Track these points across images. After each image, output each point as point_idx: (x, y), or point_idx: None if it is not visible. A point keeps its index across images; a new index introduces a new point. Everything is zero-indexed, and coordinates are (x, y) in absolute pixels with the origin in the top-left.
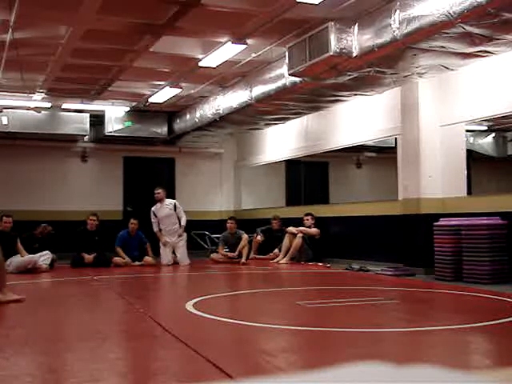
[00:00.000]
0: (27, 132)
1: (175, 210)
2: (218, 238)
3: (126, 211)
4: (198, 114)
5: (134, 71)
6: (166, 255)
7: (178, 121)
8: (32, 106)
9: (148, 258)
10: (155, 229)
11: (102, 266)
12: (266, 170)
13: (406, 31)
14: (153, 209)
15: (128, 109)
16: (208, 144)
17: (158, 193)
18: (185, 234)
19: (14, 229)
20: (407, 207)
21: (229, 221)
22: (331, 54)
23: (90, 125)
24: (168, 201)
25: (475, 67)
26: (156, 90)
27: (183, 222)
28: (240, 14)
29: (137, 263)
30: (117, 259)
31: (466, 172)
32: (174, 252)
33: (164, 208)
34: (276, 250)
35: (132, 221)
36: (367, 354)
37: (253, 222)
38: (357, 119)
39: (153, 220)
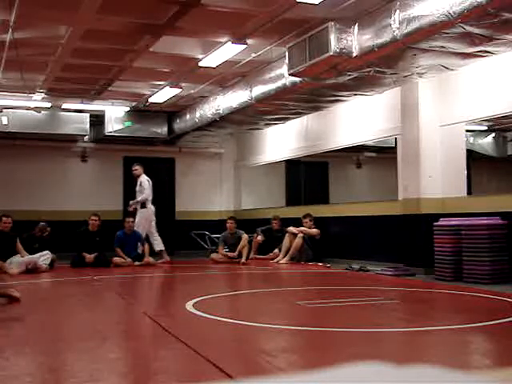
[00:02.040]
0: (27, 132)
1: (140, 186)
2: (217, 238)
3: (126, 211)
4: (197, 114)
5: (134, 71)
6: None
7: (178, 121)
8: (32, 106)
9: (148, 258)
10: None
11: (102, 266)
12: (266, 170)
13: (406, 31)
14: None
15: (128, 109)
16: (208, 144)
17: (135, 169)
18: (142, 213)
19: (14, 229)
20: (407, 207)
21: (229, 221)
22: (331, 54)
23: (90, 125)
24: (141, 177)
25: (475, 67)
26: (156, 89)
27: (138, 198)
28: (240, 14)
29: (137, 263)
30: (116, 259)
31: (465, 172)
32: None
33: (137, 183)
34: (276, 250)
35: (127, 219)
36: (367, 354)
37: (253, 222)
38: (357, 119)
39: None
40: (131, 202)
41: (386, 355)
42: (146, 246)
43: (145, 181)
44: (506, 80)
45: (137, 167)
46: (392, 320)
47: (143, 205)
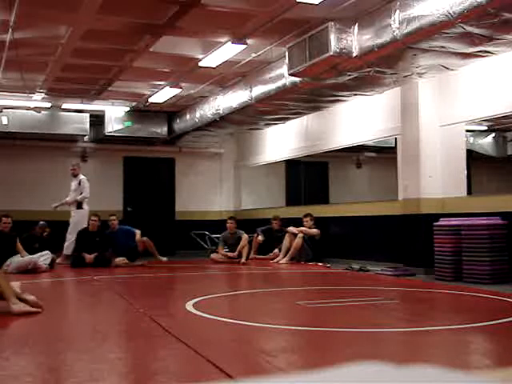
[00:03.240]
0: (27, 132)
1: (79, 185)
2: (217, 238)
3: (126, 211)
4: (198, 114)
5: (134, 71)
6: None
7: (178, 121)
8: (32, 106)
9: (160, 258)
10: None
11: (102, 266)
12: (266, 170)
13: (406, 31)
14: None
15: (128, 109)
16: (208, 144)
17: (73, 169)
18: (79, 213)
19: (14, 229)
20: (407, 207)
21: (229, 221)
22: (331, 53)
23: (90, 125)
24: (79, 176)
25: (475, 67)
26: (156, 89)
27: (78, 197)
28: (240, 14)
29: (136, 263)
30: (117, 260)
31: (465, 172)
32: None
33: (73, 183)
34: (276, 250)
35: (110, 217)
36: (367, 354)
37: (253, 222)
38: (357, 119)
39: None
40: (69, 200)
41: (386, 355)
42: (146, 240)
43: (85, 180)
44: (506, 80)
45: (75, 167)
46: (392, 320)
47: (79, 205)
